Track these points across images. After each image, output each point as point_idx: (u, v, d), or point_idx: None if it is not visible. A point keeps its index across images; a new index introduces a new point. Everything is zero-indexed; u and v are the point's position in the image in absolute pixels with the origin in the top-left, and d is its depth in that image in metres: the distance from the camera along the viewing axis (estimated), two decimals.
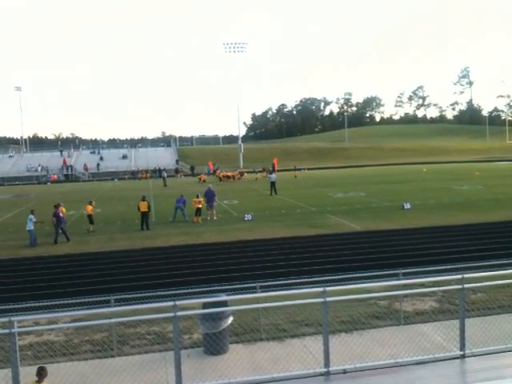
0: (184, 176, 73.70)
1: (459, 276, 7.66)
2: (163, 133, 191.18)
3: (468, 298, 8.57)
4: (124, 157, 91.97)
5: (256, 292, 10.20)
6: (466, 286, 7.61)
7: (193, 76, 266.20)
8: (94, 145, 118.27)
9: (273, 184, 39.38)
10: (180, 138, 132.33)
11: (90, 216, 25.36)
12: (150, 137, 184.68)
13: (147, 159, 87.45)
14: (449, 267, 13.46)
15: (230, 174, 60.87)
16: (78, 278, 15.99)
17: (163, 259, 18.18)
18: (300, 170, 64.54)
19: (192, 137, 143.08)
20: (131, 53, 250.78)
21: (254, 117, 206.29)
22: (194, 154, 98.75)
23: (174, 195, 30.39)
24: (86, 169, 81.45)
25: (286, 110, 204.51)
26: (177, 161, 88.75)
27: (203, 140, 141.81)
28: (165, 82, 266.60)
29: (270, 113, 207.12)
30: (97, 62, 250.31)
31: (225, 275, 15.38)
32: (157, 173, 76.55)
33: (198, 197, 27.26)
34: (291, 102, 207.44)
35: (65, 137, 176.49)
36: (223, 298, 8.74)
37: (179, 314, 6.72)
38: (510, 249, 17.06)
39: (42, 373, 6.64)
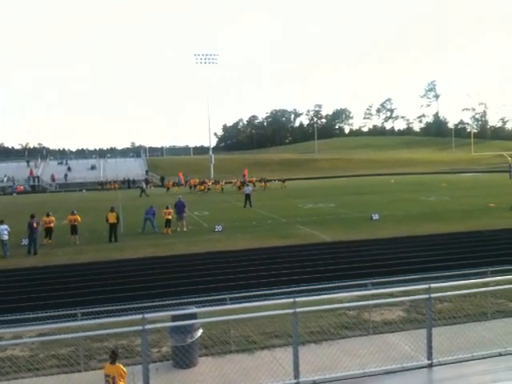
0: (154, 187, 73.11)
1: (426, 286, 7.79)
2: (133, 143, 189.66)
3: (435, 308, 8.72)
4: (92, 167, 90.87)
5: (226, 304, 10.16)
6: (432, 295, 7.74)
7: (164, 86, 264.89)
8: (62, 155, 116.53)
9: (248, 196, 39.36)
10: (150, 148, 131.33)
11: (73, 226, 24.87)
12: (119, 147, 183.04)
13: (116, 170, 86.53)
14: (416, 277, 13.66)
15: (207, 183, 60.76)
16: (44, 291, 15.63)
17: (132, 271, 17.93)
18: (270, 181, 64.45)
19: (162, 147, 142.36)
20: (102, 62, 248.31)
21: (224, 128, 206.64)
22: (164, 164, 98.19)
23: (144, 206, 30.08)
24: (53, 179, 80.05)
25: (256, 121, 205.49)
26: (146, 171, 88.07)
27: (174, 151, 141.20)
28: (134, 92, 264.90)
29: (241, 124, 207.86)
30: (61, 70, 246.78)
31: (194, 287, 15.27)
32: (126, 184, 75.79)
33: (167, 208, 27.06)
34: (262, 114, 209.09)
35: (32, 147, 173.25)
36: (193, 310, 8.66)
37: (148, 327, 6.64)
38: (475, 259, 17.44)
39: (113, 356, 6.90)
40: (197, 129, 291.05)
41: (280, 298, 9.62)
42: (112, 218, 24.84)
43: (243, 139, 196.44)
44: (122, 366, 6.91)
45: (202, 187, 59.13)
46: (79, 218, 25.11)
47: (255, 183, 59.15)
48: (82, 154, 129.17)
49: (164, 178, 76.35)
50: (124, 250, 22.03)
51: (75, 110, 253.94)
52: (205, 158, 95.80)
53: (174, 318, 8.38)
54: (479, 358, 7.82)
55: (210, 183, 61.09)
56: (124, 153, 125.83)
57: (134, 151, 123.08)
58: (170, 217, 26.80)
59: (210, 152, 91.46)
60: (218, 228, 26.49)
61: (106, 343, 9.99)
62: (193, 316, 8.46)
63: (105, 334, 8.72)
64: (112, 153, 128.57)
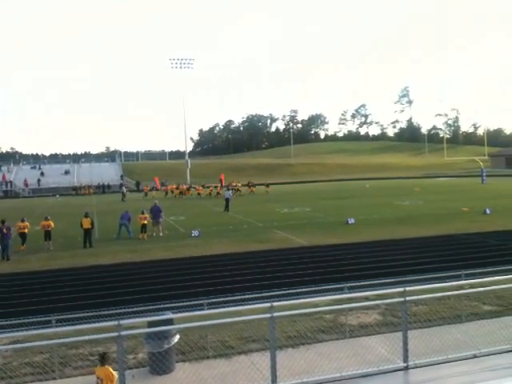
0: (129, 192, 72.39)
1: (401, 289, 7.87)
2: (107, 148, 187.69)
3: (410, 311, 8.81)
4: (66, 172, 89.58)
5: (203, 309, 10.12)
6: (407, 298, 7.82)
7: (139, 90, 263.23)
8: (35, 160, 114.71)
9: (227, 201, 39.34)
10: (125, 153, 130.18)
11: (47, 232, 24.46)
12: (93, 152, 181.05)
13: (90, 175, 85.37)
14: (392, 280, 13.84)
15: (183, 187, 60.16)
16: (17, 297, 15.34)
17: (107, 277, 17.72)
18: (255, 185, 63.21)
19: (137, 152, 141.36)
20: (76, 65, 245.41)
21: (201, 132, 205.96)
22: (140, 169, 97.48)
23: (120, 211, 29.77)
24: (26, 184, 78.57)
25: (233, 126, 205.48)
26: (121, 176, 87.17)
27: (149, 155, 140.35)
28: (110, 96, 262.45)
29: (218, 129, 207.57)
30: (37, 70, 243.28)
31: (171, 292, 15.16)
32: (100, 188, 74.91)
33: (143, 213, 26.87)
34: (238, 118, 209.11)
35: (4, 151, 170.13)
36: (169, 316, 8.60)
37: (123, 333, 6.56)
38: (449, 262, 17.73)
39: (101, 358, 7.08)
40: (173, 133, 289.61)
41: (257, 303, 9.62)
42: (86, 224, 24.53)
43: (219, 144, 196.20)
44: (110, 369, 6.91)
45: (190, 192, 58.65)
46: (52, 224, 24.73)
47: (240, 188, 58.79)
48: (55, 158, 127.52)
49: (139, 183, 75.72)
50: (99, 256, 21.76)
51: (48, 113, 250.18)
52: (181, 163, 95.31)
53: (151, 324, 8.30)
54: (454, 360, 7.92)
55: (201, 188, 59.47)
56: (98, 157, 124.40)
57: (109, 156, 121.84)
58: (145, 222, 26.60)
59: (186, 157, 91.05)
60: (195, 233, 26.38)
61: (81, 350, 9.84)
62: (169, 322, 8.40)
63: (80, 340, 8.58)
64: (86, 157, 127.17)
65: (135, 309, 11.95)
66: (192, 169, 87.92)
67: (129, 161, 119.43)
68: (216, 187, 59.19)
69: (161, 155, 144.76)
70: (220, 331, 9.95)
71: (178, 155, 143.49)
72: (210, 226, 29.94)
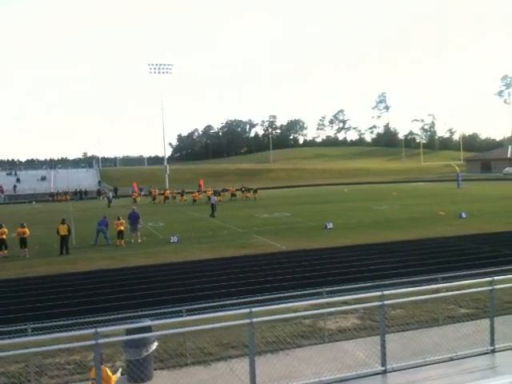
0: (107, 198, 71.64)
1: (379, 293, 7.95)
2: (85, 153, 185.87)
3: (388, 315, 8.90)
4: (43, 178, 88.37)
5: (182, 316, 10.05)
6: (385, 302, 7.90)
7: (117, 95, 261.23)
8: (11, 166, 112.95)
9: (213, 206, 39.19)
10: (103, 158, 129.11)
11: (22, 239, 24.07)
12: (70, 157, 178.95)
13: (67, 181, 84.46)
14: (370, 284, 13.93)
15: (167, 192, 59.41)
16: None
17: (85, 284, 17.49)
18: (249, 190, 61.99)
19: (115, 157, 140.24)
20: (48, 69, 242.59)
21: (179, 138, 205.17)
22: (118, 175, 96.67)
23: (97, 217, 29.46)
24: (1, 191, 77.23)
25: (212, 131, 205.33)
26: (99, 182, 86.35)
27: (127, 161, 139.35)
28: (88, 101, 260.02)
29: (196, 134, 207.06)
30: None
31: (149, 299, 15.02)
32: (78, 195, 74.02)
33: (119, 219, 26.65)
34: (217, 124, 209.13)
35: None
36: (147, 323, 8.53)
37: (101, 341, 6.49)
38: (426, 265, 17.93)
39: None
40: (151, 139, 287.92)
41: (236, 309, 9.60)
42: (63, 230, 24.24)
43: (198, 149, 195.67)
44: (107, 369, 6.82)
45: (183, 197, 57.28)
46: (28, 231, 24.36)
47: (235, 193, 57.95)
48: (31, 164, 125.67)
49: (117, 189, 75.04)
50: (76, 263, 21.49)
51: (24, 118, 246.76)
52: (159, 169, 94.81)
53: (128, 332, 8.22)
54: (431, 363, 8.02)
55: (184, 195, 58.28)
56: (76, 163, 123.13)
57: (86, 161, 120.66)
58: (121, 228, 26.37)
59: (165, 162, 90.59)
60: (174, 239, 26.24)
61: (57, 359, 9.70)
62: (147, 329, 8.33)
63: (56, 349, 8.45)
64: (63, 163, 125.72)
65: (113, 316, 11.79)
66: (171, 174, 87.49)
67: (106, 166, 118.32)
68: (200, 192, 59.05)
69: (139, 161, 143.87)
70: (199, 338, 9.91)
71: (156, 161, 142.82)
72: (189, 231, 29.81)
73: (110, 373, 6.85)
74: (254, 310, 7.12)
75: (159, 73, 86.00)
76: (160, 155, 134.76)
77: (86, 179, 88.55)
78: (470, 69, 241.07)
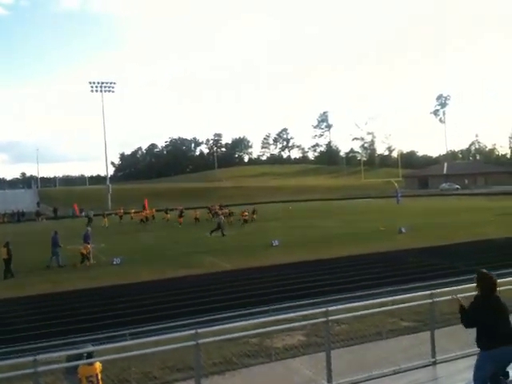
0: (46, 219, 69.32)
1: (324, 309, 8.03)
2: (23, 174, 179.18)
3: (333, 330, 8.97)
4: None
5: (126, 340, 9.79)
6: (330, 318, 7.99)
7: (58, 112, 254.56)
8: None
9: (220, 225, 37.86)
10: (42, 178, 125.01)
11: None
12: (7, 178, 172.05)
13: (4, 202, 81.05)
14: (315, 301, 14.08)
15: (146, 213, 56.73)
16: None
17: (22, 310, 16.72)
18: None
19: (55, 177, 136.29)
20: None
21: (122, 156, 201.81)
22: (58, 195, 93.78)
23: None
24: None
25: (156, 150, 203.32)
26: (38, 203, 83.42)
27: (68, 180, 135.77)
28: (32, 115, 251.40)
29: (140, 152, 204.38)
30: None
31: (91, 324, 14.54)
32: (15, 216, 71.20)
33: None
34: (161, 142, 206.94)
35: None
36: (89, 348, 8.23)
37: (40, 369, 6.22)
38: (369, 280, 18.29)
39: None
40: (92, 158, 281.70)
41: (182, 331, 9.45)
42: (3, 254, 23.46)
43: (142, 168, 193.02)
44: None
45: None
46: None
47: (230, 212, 50.77)
48: None
49: (57, 210, 72.74)
50: (12, 289, 20.54)
51: None
52: (102, 188, 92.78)
53: (70, 358, 7.91)
54: (376, 378, 8.14)
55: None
56: (13, 184, 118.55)
57: (24, 182, 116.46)
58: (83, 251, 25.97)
59: (108, 182, 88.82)
60: (117, 261, 25.63)
61: None
62: (89, 355, 8.04)
63: None
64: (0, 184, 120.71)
65: (53, 342, 11.37)
66: (114, 194, 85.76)
67: (46, 187, 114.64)
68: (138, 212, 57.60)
69: (80, 180, 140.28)
70: (144, 362, 9.65)
71: (98, 180, 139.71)
72: (132, 252, 29.21)
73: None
74: (199, 331, 7.03)
75: (101, 91, 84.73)
76: (102, 174, 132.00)
77: (24, 200, 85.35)
78: (407, 87, 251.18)
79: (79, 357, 7.92)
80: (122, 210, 58.71)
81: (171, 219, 52.52)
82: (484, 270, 6.83)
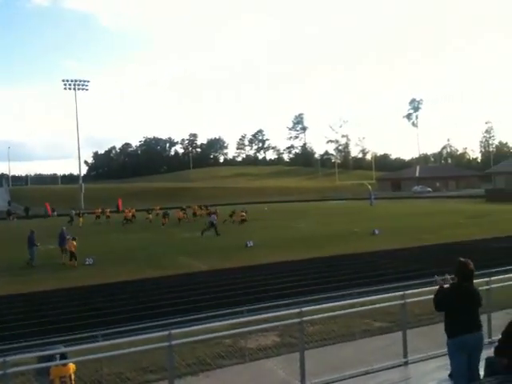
0: (17, 219, 67.99)
1: (298, 310, 8.07)
2: None
3: (306, 331, 9.01)
4: None
5: (98, 341, 9.67)
6: (304, 318, 8.03)
7: (30, 110, 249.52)
8: None
9: (213, 224, 37.80)
10: (13, 177, 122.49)
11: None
12: None
13: None
14: (289, 301, 14.14)
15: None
16: None
17: None
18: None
19: (27, 176, 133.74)
20: None
21: (95, 155, 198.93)
22: (30, 194, 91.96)
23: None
24: None
25: (130, 149, 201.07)
26: (9, 202, 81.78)
27: (39, 179, 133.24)
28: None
29: (114, 152, 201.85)
30: None
31: (63, 325, 14.31)
32: None
33: (74, 239, 26.34)
34: (135, 142, 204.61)
35: None
36: (61, 349, 8.11)
37: (10, 371, 6.10)
38: (343, 281, 18.47)
39: None
40: (65, 156, 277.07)
41: (155, 331, 9.38)
42: None
43: (116, 167, 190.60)
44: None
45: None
46: None
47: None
48: None
49: (29, 209, 71.41)
50: None
51: None
52: (74, 188, 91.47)
53: (41, 359, 7.78)
54: (349, 378, 8.20)
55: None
56: None
57: None
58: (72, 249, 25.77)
59: (80, 181, 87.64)
60: (89, 261, 25.31)
61: None
62: (63, 356, 7.93)
63: None
64: None
65: (23, 343, 11.17)
66: (86, 193, 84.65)
67: (17, 185, 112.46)
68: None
69: (52, 179, 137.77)
70: (116, 363, 9.54)
71: (71, 179, 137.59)
72: (106, 253, 28.87)
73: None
74: (172, 332, 6.99)
75: (74, 89, 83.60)
76: (75, 173, 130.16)
77: None
78: (381, 92, 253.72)
79: (51, 358, 7.81)
80: (99, 210, 57.86)
81: (153, 219, 52.17)
82: (462, 258, 6.85)
